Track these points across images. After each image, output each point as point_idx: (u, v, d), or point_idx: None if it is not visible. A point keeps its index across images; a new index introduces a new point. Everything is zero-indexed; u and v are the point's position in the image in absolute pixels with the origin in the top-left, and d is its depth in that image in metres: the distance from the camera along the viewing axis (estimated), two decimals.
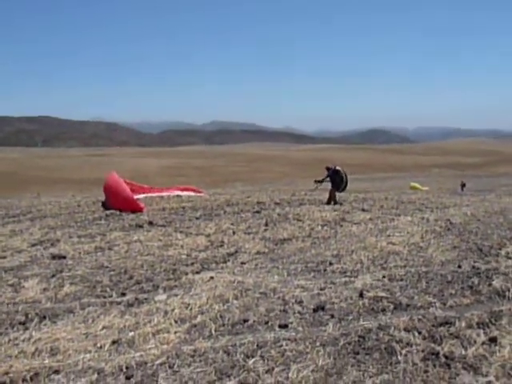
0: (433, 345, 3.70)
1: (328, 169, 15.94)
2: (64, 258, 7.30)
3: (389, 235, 8.75)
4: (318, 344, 3.76)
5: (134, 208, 12.86)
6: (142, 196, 16.92)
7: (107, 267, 6.65)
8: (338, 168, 15.76)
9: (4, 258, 7.40)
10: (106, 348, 3.80)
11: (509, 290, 5.10)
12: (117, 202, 13.08)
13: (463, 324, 4.09)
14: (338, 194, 15.54)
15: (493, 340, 3.75)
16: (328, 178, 15.71)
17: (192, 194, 18.88)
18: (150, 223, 10.59)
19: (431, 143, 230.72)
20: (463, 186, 26.26)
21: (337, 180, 15.54)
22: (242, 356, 3.57)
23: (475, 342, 3.73)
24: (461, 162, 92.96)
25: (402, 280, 5.64)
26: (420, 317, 4.30)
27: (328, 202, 15.04)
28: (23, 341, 4.00)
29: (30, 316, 4.64)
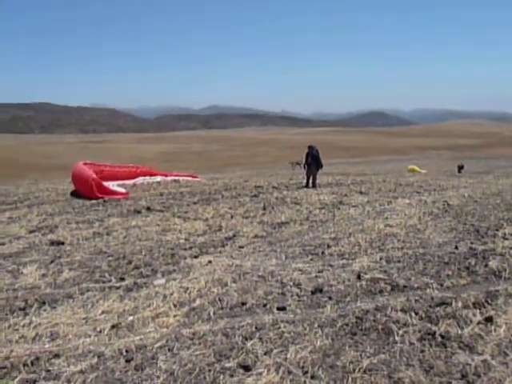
0: (429, 325, 3.74)
1: (310, 148, 15.98)
2: (62, 243, 7.31)
3: (386, 218, 8.78)
4: (315, 326, 3.80)
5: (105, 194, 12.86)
6: (139, 181, 16.90)
7: (106, 252, 6.67)
8: (313, 146, 16.04)
9: (2, 244, 7.41)
10: (105, 332, 3.83)
11: (505, 271, 5.14)
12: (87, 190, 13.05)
13: (459, 304, 4.13)
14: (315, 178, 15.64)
15: (488, 319, 3.79)
16: (309, 159, 15.70)
17: (189, 179, 18.88)
18: (148, 209, 10.59)
19: (429, 125, 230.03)
20: (461, 167, 26.21)
21: (319, 160, 15.68)
22: (241, 338, 3.60)
23: (471, 321, 3.77)
24: (459, 144, 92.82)
25: (399, 262, 5.68)
26: (417, 298, 4.34)
27: (307, 185, 15.14)
28: (23, 326, 4.03)
29: (29, 302, 4.66)
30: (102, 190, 12.98)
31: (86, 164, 15.69)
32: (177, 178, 18.47)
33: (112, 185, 15.37)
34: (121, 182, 16.12)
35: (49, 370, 3.23)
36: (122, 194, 13.37)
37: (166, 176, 18.52)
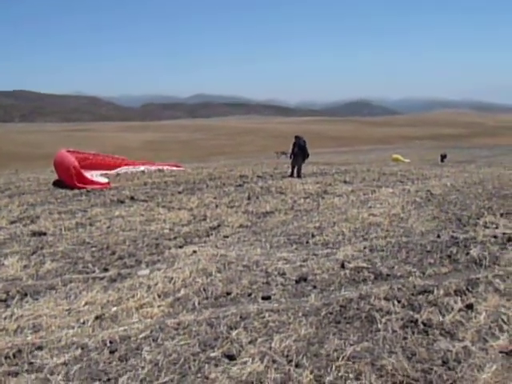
0: (412, 313, 3.79)
1: (298, 138, 15.94)
2: (44, 234, 7.21)
3: (370, 207, 8.85)
4: (300, 314, 3.82)
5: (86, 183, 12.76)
6: (122, 170, 16.73)
7: (89, 243, 6.60)
8: (300, 136, 15.98)
9: None
10: (89, 323, 3.80)
11: (485, 259, 5.24)
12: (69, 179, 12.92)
13: (441, 292, 4.20)
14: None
15: (469, 307, 3.86)
16: (296, 149, 15.67)
17: (173, 168, 18.77)
18: (132, 198, 10.50)
19: (414, 115, 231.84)
20: (444, 157, 26.51)
21: (305, 151, 15.67)
22: (226, 328, 3.61)
23: (452, 309, 3.84)
24: (443, 134, 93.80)
25: (382, 251, 5.74)
26: (400, 286, 4.40)
27: (292, 175, 15.16)
28: (5, 318, 3.97)
29: (11, 293, 4.60)
30: (81, 180, 12.82)
31: (69, 152, 15.44)
32: (161, 167, 18.35)
33: (95, 174, 15.20)
34: (104, 172, 15.95)
35: (31, 363, 3.20)
36: (102, 184, 13.21)
37: (150, 166, 18.39)
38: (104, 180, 14.03)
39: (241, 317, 3.80)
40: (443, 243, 6.02)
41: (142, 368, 3.07)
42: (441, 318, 3.67)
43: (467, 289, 4.29)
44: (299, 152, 15.44)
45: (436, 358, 3.13)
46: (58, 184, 13.62)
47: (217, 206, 9.29)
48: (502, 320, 3.65)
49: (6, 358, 3.25)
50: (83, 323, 3.81)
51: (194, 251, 5.96)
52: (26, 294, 4.57)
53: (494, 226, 7.06)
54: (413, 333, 3.47)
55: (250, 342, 3.37)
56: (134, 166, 17.78)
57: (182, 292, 4.44)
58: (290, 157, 16.07)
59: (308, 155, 15.90)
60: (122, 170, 16.87)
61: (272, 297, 4.26)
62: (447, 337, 3.41)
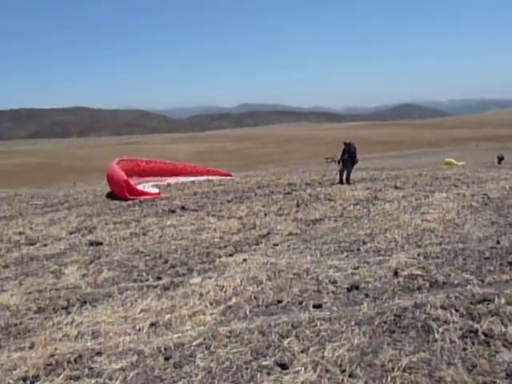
0: (471, 322, 3.63)
1: (348, 144, 15.46)
2: (101, 244, 7.51)
3: (423, 212, 8.58)
4: (352, 323, 3.75)
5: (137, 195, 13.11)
6: (173, 180, 17.16)
7: (143, 252, 6.81)
8: (353, 144, 15.49)
9: (45, 245, 7.68)
10: (144, 330, 3.91)
11: None
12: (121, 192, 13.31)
13: (502, 301, 3.98)
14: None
15: None
16: (345, 156, 15.22)
17: (222, 177, 19.07)
18: (183, 208, 10.74)
19: (467, 116, 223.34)
20: (501, 159, 25.30)
21: (355, 157, 15.27)
22: (277, 336, 3.60)
23: None
24: (499, 135, 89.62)
25: (437, 257, 5.54)
26: (457, 294, 4.22)
27: (341, 182, 14.77)
28: (66, 325, 4.16)
29: (71, 301, 4.82)
30: (132, 192, 13.27)
31: (121, 160, 16.03)
32: (210, 177, 18.69)
33: (146, 186, 15.70)
34: (155, 183, 16.44)
35: (91, 368, 3.32)
36: (152, 194, 13.61)
37: (201, 174, 18.75)
38: (155, 190, 14.47)
39: (292, 325, 3.78)
40: (503, 249, 5.73)
41: (196, 375, 3.12)
42: (503, 329, 3.49)
43: None
44: (348, 159, 15.09)
45: (499, 370, 2.97)
46: (111, 195, 14.17)
47: (266, 215, 9.32)
48: None
49: (68, 362, 3.40)
50: (139, 330, 3.92)
51: (245, 259, 6.00)
52: (85, 302, 4.78)
53: None
54: (473, 343, 3.32)
55: (302, 351, 3.34)
56: (186, 172, 18.19)
57: (234, 300, 4.47)
58: (339, 163, 15.65)
59: (357, 161, 15.56)
60: (173, 180, 17.32)
61: (323, 305, 4.21)
62: (510, 348, 3.23)
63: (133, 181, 15.62)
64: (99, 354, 3.52)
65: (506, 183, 12.61)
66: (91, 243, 7.57)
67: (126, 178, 13.73)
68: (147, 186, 15.83)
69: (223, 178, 19.31)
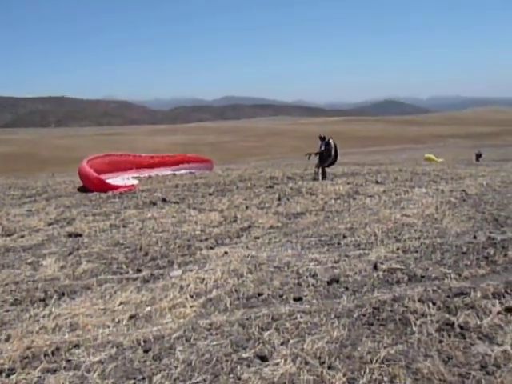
0: (448, 315, 3.70)
1: (322, 138, 14.88)
2: (80, 236, 7.41)
3: (403, 207, 8.70)
4: (332, 316, 3.79)
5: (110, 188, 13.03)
6: (154, 173, 17.01)
7: (122, 244, 6.74)
8: (330, 141, 14.75)
9: (22, 237, 7.54)
10: (123, 323, 3.88)
11: None
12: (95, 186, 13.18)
13: (478, 294, 4.07)
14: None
15: (508, 310, 3.73)
16: (319, 150, 14.65)
17: (202, 164, 19.05)
18: (164, 200, 10.66)
19: (446, 113, 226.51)
20: (479, 156, 25.74)
21: (324, 153, 14.59)
22: (258, 329, 3.61)
23: (490, 312, 3.73)
24: (477, 132, 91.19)
25: (416, 252, 5.62)
26: (435, 288, 4.30)
27: (315, 177, 14.37)
28: (43, 317, 4.10)
29: (49, 293, 4.74)
30: (105, 187, 13.11)
31: (96, 157, 15.78)
32: (190, 164, 18.58)
33: (127, 177, 15.55)
34: (136, 175, 16.29)
35: (69, 360, 3.28)
36: (127, 186, 13.50)
37: (181, 162, 18.56)
38: (133, 182, 14.35)
39: (272, 318, 3.79)
40: (480, 244, 5.84)
41: (176, 367, 3.11)
42: (478, 322, 3.57)
43: (506, 291, 4.15)
44: (325, 154, 14.58)
45: (474, 362, 3.04)
46: None
47: (247, 208, 9.31)
48: None
49: (45, 355, 3.35)
50: (118, 322, 3.89)
51: (226, 252, 6.00)
52: (63, 294, 4.71)
53: None
54: (449, 336, 3.39)
55: (282, 344, 3.36)
56: (165, 163, 18.01)
57: (214, 293, 4.47)
58: (315, 155, 14.92)
59: (335, 160, 14.96)
60: (154, 172, 17.18)
61: (304, 298, 4.23)
62: (485, 340, 3.31)
63: (111, 175, 15.49)
64: (77, 346, 3.48)
65: (484, 180, 12.85)
66: (70, 235, 7.46)
67: (94, 175, 13.47)
68: (128, 178, 15.68)
69: (203, 164, 19.29)
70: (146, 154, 18.83)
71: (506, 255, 5.30)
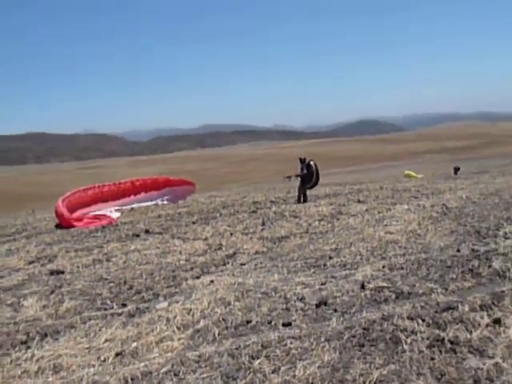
0: (437, 331, 3.68)
1: (302, 160, 14.82)
2: (62, 273, 7.24)
3: (386, 225, 8.76)
4: (322, 339, 3.74)
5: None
6: (135, 204, 16.82)
7: (106, 279, 6.60)
8: (310, 163, 14.68)
9: (1, 277, 7.33)
10: (109, 361, 3.76)
11: (509, 270, 5.10)
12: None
13: (466, 308, 4.08)
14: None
15: (497, 321, 3.74)
16: (301, 173, 14.59)
17: (185, 187, 18.86)
18: (147, 231, 10.54)
19: (422, 130, 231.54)
20: (457, 169, 26.25)
21: (305, 176, 14.55)
22: (248, 358, 3.54)
23: (479, 324, 3.73)
24: (452, 147, 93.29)
25: (402, 268, 5.63)
26: (423, 304, 4.29)
27: (298, 200, 14.35)
28: (25, 360, 3.95)
29: (31, 335, 4.59)
30: (80, 225, 12.91)
31: (74, 193, 15.50)
32: (173, 188, 18.35)
33: (110, 211, 15.37)
34: (118, 207, 16.11)
35: None
36: (105, 220, 13.25)
37: (163, 186, 18.25)
38: (117, 215, 14.18)
39: (262, 345, 3.73)
40: (464, 257, 5.89)
41: None
42: (468, 335, 3.56)
43: (493, 303, 4.16)
44: (306, 176, 14.59)
45: (466, 377, 3.02)
46: None
47: (232, 234, 9.26)
48: None
49: None
50: (104, 361, 3.77)
51: (212, 281, 5.92)
52: (46, 335, 4.56)
53: None
54: (440, 352, 3.37)
55: (273, 372, 3.30)
56: (146, 186, 17.71)
57: (202, 323, 4.38)
58: (296, 177, 15.05)
59: (316, 183, 14.96)
60: (139, 199, 17.02)
61: (293, 323, 4.18)
62: (476, 354, 3.29)
63: (93, 208, 15.27)
64: None
65: (463, 193, 13.07)
66: (52, 272, 7.28)
67: (67, 215, 13.17)
68: (110, 211, 15.49)
69: (187, 187, 19.11)
70: (127, 180, 18.39)
71: (490, 266, 5.34)
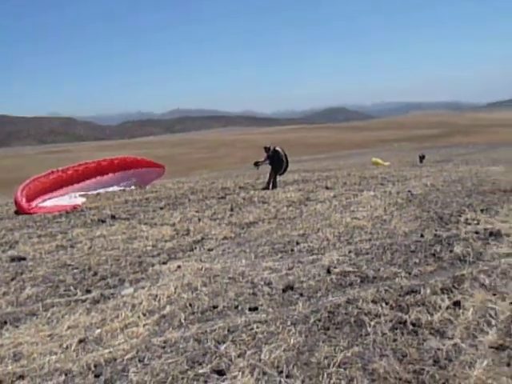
0: (400, 314, 3.77)
1: (267, 149, 14.67)
2: (24, 259, 7.02)
3: (353, 211, 8.88)
4: (288, 323, 3.77)
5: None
6: (101, 190, 16.47)
7: (70, 265, 6.45)
8: (277, 149, 14.56)
9: None
10: (72, 348, 3.68)
11: (469, 255, 5.28)
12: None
13: (428, 291, 4.19)
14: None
15: (456, 304, 3.86)
16: (268, 160, 14.50)
17: (154, 169, 18.59)
18: (113, 217, 10.34)
19: (389, 118, 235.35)
20: (422, 157, 26.83)
21: (275, 162, 14.47)
22: (214, 342, 3.53)
23: (440, 307, 3.84)
24: (419, 135, 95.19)
25: (367, 253, 5.73)
26: (386, 288, 4.39)
27: (267, 187, 14.28)
28: None
29: None
30: (41, 211, 12.51)
31: (36, 178, 14.92)
32: (142, 169, 17.98)
33: (74, 195, 14.99)
34: (83, 192, 15.71)
35: None
36: (67, 206, 12.84)
37: (130, 167, 17.79)
38: (82, 200, 13.82)
39: (228, 330, 3.73)
40: (427, 242, 6.05)
41: None
42: (429, 317, 3.66)
43: (453, 286, 4.30)
44: (274, 164, 14.47)
45: (427, 357, 3.11)
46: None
47: (200, 220, 9.20)
48: (490, 315, 3.65)
49: None
50: (66, 348, 3.69)
51: (179, 266, 5.87)
52: (5, 322, 4.42)
53: (476, 222, 7.15)
54: (402, 334, 3.45)
55: (239, 356, 3.30)
56: (113, 167, 17.24)
57: (168, 309, 4.34)
58: (263, 162, 14.90)
59: (285, 170, 14.87)
60: (101, 189, 16.61)
61: (259, 308, 4.19)
62: (437, 335, 3.39)
63: (56, 193, 14.82)
64: (21, 377, 3.26)
65: (428, 180, 13.39)
66: (13, 259, 7.05)
67: (25, 207, 12.66)
68: (74, 196, 15.10)
69: (156, 169, 18.84)
70: (93, 160, 17.77)
71: (451, 251, 5.50)
